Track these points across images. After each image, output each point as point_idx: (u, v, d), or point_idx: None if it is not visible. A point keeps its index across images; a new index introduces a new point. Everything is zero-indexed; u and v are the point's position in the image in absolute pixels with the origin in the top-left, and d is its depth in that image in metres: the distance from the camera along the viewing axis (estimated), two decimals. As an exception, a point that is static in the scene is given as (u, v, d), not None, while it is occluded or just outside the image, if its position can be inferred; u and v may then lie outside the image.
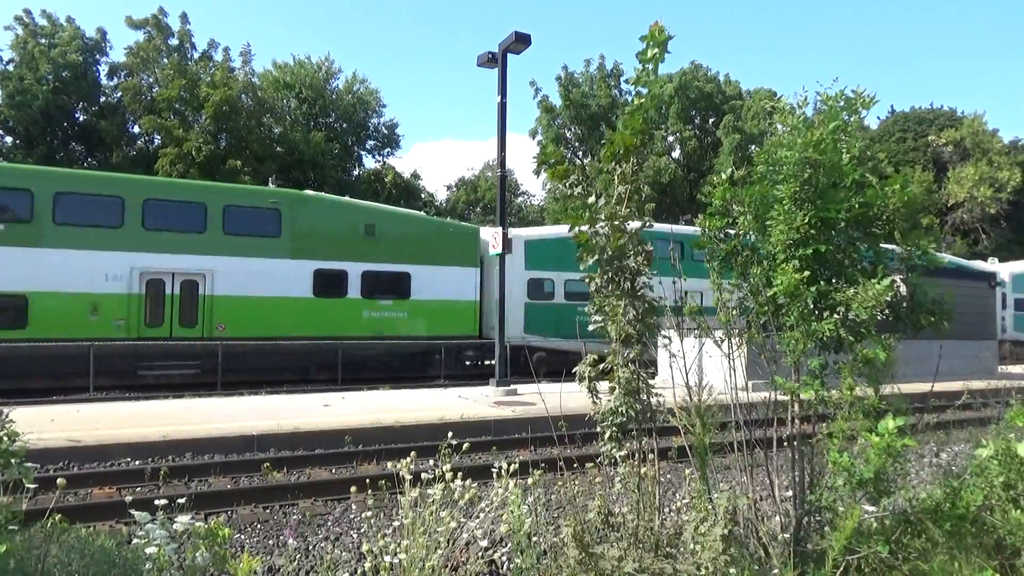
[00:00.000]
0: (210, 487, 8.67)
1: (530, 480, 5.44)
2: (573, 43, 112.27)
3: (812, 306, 4.20)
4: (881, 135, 58.13)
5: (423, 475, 4.79)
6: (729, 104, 50.90)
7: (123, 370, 18.70)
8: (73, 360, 17.77)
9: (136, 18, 43.76)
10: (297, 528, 6.92)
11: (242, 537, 6.82)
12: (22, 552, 3.43)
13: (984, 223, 53.35)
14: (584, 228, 4.36)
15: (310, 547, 6.47)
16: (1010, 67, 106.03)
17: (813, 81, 4.68)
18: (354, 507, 7.61)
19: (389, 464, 5.14)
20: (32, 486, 3.67)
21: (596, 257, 4.33)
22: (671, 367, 4.51)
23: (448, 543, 4.53)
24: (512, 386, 15.98)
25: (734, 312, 4.70)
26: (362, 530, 6.75)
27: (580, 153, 51.13)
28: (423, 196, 56.15)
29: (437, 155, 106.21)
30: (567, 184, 4.44)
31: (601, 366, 4.36)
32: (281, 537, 6.74)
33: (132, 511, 4.20)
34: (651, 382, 4.37)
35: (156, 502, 4.24)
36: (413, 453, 5.15)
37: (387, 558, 4.27)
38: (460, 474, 4.83)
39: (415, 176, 55.50)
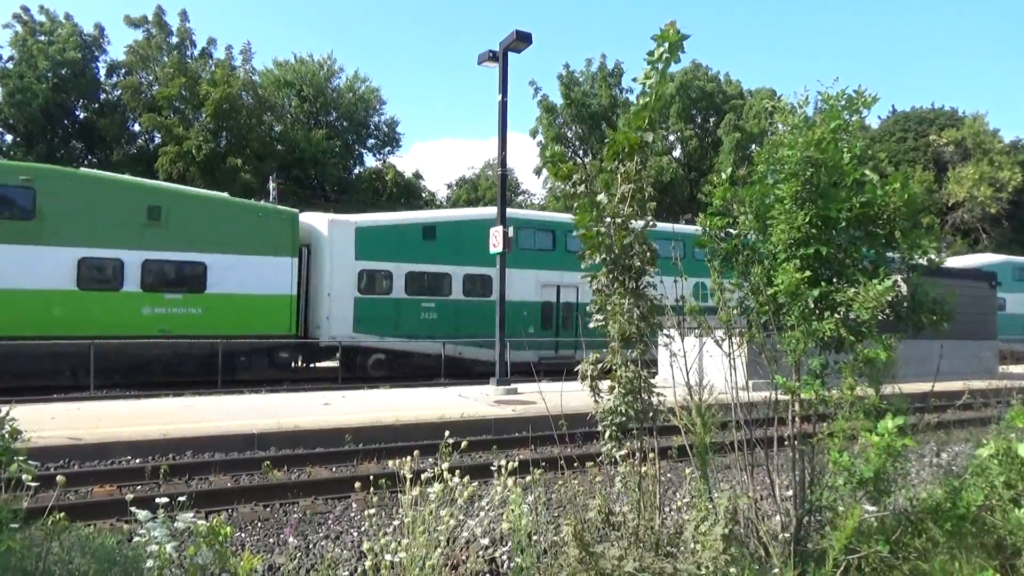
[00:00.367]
0: (211, 485, 8.68)
1: (529, 478, 5.45)
2: (574, 43, 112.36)
3: (813, 306, 4.20)
4: (882, 135, 58.12)
5: (423, 474, 4.79)
6: (730, 104, 50.91)
7: None
8: None
9: (135, 16, 43.79)
10: (298, 526, 6.93)
11: (243, 535, 6.82)
12: (23, 550, 3.44)
13: (985, 223, 53.35)
14: (590, 227, 4.33)
15: (310, 545, 6.48)
16: (1012, 67, 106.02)
17: (814, 81, 4.66)
18: (354, 506, 7.62)
19: (390, 463, 5.15)
20: (33, 484, 3.68)
21: (602, 256, 4.31)
22: (672, 366, 4.51)
23: (448, 542, 4.53)
24: (512, 385, 15.99)
25: (735, 311, 4.70)
26: (362, 528, 6.76)
27: (581, 152, 51.10)
28: (424, 195, 56.16)
29: (438, 154, 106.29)
30: (571, 183, 4.42)
31: (601, 365, 4.35)
32: (282, 535, 6.74)
33: (133, 509, 4.20)
34: (652, 381, 4.37)
35: (157, 500, 4.24)
36: (416, 452, 5.15)
37: (387, 556, 4.27)
38: (460, 473, 4.83)
39: (416, 175, 55.53)
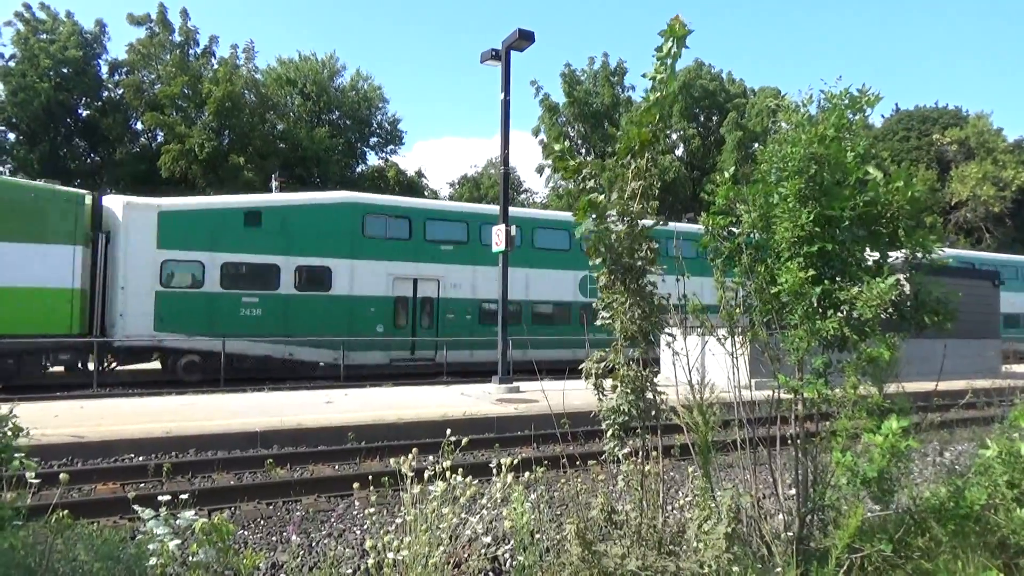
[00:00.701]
0: (213, 483, 8.69)
1: (529, 475, 5.44)
2: (576, 42, 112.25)
3: (816, 304, 4.20)
4: (885, 133, 58.04)
5: (425, 472, 4.79)
6: (733, 103, 50.86)
7: None
8: None
9: (138, 14, 43.84)
10: (300, 524, 6.93)
11: (246, 533, 6.83)
12: (26, 547, 3.44)
13: (988, 222, 53.27)
14: (591, 225, 4.31)
15: (313, 543, 6.48)
16: (1016, 66, 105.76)
17: (818, 79, 4.64)
18: (357, 503, 7.62)
19: (392, 461, 5.15)
20: (34, 481, 3.69)
21: (603, 255, 4.30)
22: (674, 365, 4.51)
23: (450, 540, 4.53)
24: (515, 383, 16.00)
25: (737, 310, 4.69)
26: (365, 526, 6.76)
27: (583, 151, 51.07)
28: (426, 193, 56.18)
29: (440, 152, 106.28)
30: (579, 179, 4.41)
31: (603, 364, 4.35)
32: (284, 533, 6.75)
33: (136, 507, 4.21)
34: (655, 380, 4.37)
35: (160, 498, 4.25)
36: (416, 450, 5.15)
37: (390, 554, 4.27)
38: (463, 471, 4.83)
39: (419, 174, 55.54)
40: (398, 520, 4.79)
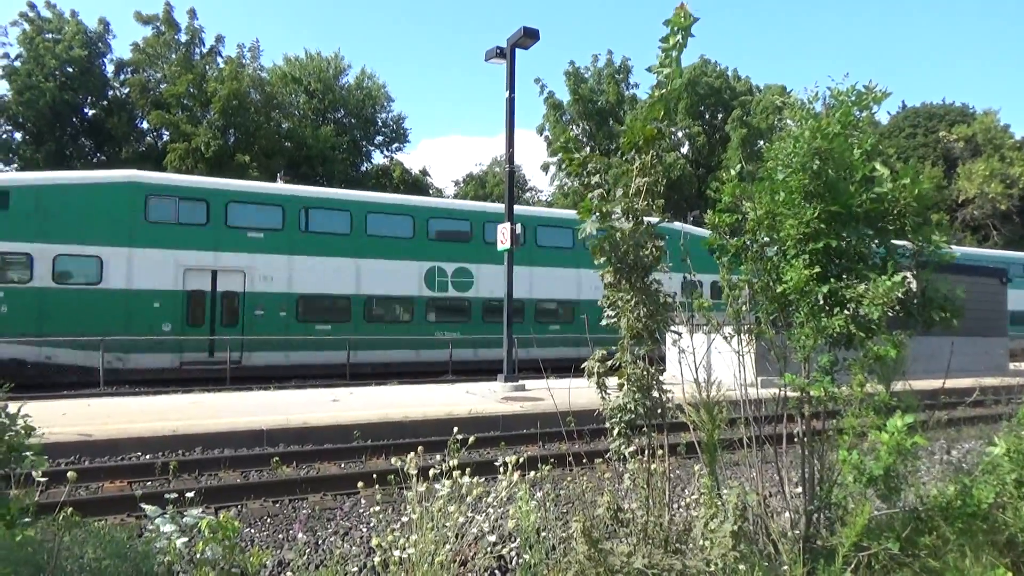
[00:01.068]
0: (220, 481, 8.71)
1: (535, 474, 5.44)
2: (581, 40, 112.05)
3: (822, 302, 4.19)
4: (891, 130, 57.84)
5: (431, 470, 4.79)
6: (739, 100, 50.74)
7: None
8: None
9: (145, 13, 43.93)
10: (307, 522, 6.94)
11: (252, 531, 6.85)
12: (35, 544, 3.46)
13: (995, 219, 53.03)
14: (596, 223, 4.29)
15: (319, 541, 6.50)
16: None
17: (825, 76, 4.63)
18: (363, 501, 7.63)
19: (395, 460, 5.16)
20: (42, 479, 3.70)
21: (608, 253, 4.28)
22: (680, 363, 4.50)
23: (456, 538, 4.54)
24: (520, 381, 16.00)
25: (743, 308, 4.68)
26: (371, 524, 6.77)
27: (588, 149, 51.03)
28: (431, 192, 56.20)
29: (445, 151, 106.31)
30: (585, 173, 4.39)
31: (610, 362, 4.34)
32: (291, 531, 6.77)
33: (143, 505, 4.23)
34: (660, 378, 4.36)
35: (167, 496, 4.27)
36: (420, 448, 5.16)
37: (396, 552, 4.28)
38: (468, 469, 4.84)
39: (423, 172, 55.58)
40: (404, 518, 4.80)
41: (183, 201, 21.01)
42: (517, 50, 16.46)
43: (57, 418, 10.97)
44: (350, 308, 23.08)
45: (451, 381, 19.60)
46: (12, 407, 3.39)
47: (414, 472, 4.61)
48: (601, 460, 7.22)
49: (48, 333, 18.68)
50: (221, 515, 4.04)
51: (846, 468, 3.83)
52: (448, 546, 4.36)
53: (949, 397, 8.58)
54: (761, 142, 43.31)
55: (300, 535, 6.28)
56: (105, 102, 44.26)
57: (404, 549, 4.29)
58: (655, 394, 4.26)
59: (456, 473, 4.65)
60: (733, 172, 4.76)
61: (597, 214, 4.26)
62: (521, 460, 5.11)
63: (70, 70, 41.46)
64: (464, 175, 69.18)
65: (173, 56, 43.88)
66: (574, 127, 50.89)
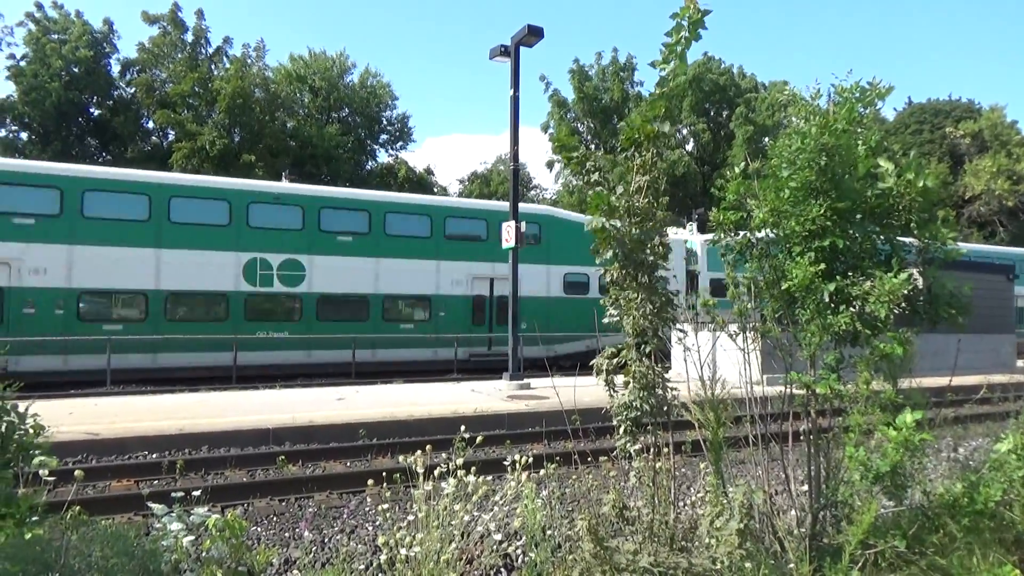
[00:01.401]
0: (226, 480, 8.74)
1: (543, 472, 5.45)
2: (585, 37, 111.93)
3: (828, 299, 4.18)
4: (897, 127, 57.62)
5: (437, 469, 4.80)
6: (744, 97, 50.63)
7: None
8: None
9: (152, 13, 44.08)
10: (313, 521, 6.96)
11: (258, 529, 6.87)
12: (43, 543, 3.48)
13: (1001, 215, 52.80)
14: (601, 220, 4.28)
15: (326, 539, 6.51)
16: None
17: (830, 73, 4.60)
18: (369, 500, 7.65)
19: (400, 458, 5.17)
20: (49, 479, 3.72)
21: (614, 251, 4.27)
22: (685, 361, 4.50)
23: (462, 536, 4.54)
24: (525, 380, 16.00)
25: (749, 306, 4.67)
26: (377, 523, 6.79)
27: (593, 147, 50.98)
28: (436, 190, 56.22)
29: (449, 149, 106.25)
30: (585, 170, 4.38)
31: (616, 360, 4.34)
32: (297, 529, 6.79)
33: (150, 503, 4.25)
34: (666, 376, 4.36)
35: (173, 495, 4.29)
36: (429, 447, 5.17)
37: (402, 551, 4.29)
38: (474, 467, 4.84)
39: (428, 171, 55.59)
40: (410, 517, 4.81)
41: None
42: (521, 48, 16.46)
43: (64, 417, 11.01)
44: (147, 305, 20.01)
45: (456, 380, 19.62)
46: (20, 406, 3.40)
47: (421, 470, 4.62)
48: (607, 458, 7.22)
49: None
50: (228, 513, 4.05)
51: (852, 466, 3.83)
52: (454, 544, 4.37)
53: (956, 394, 8.55)
54: (766, 139, 43.20)
55: (306, 533, 6.29)
56: (111, 102, 44.41)
57: (410, 547, 4.30)
58: (660, 392, 4.26)
59: (461, 472, 4.66)
60: (737, 170, 4.75)
61: (604, 208, 4.25)
62: (528, 461, 5.11)
63: (76, 70, 41.60)
64: (469, 174, 69.22)
65: (179, 56, 44.00)
66: (579, 125, 50.85)
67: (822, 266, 4.15)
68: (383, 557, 4.42)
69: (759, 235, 4.65)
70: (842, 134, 4.26)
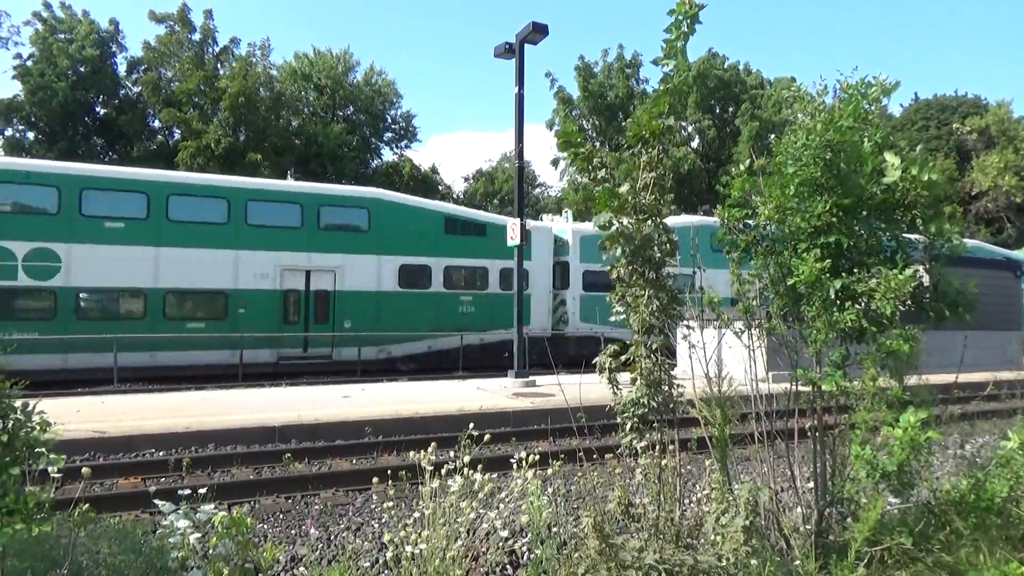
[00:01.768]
0: (233, 477, 8.77)
1: (549, 470, 5.45)
2: (591, 34, 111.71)
3: (834, 296, 4.17)
4: (904, 123, 57.37)
5: (443, 466, 4.81)
6: (750, 93, 50.49)
7: None
8: None
9: (159, 12, 44.19)
10: (319, 518, 6.98)
11: (265, 527, 6.89)
12: (51, 540, 3.50)
13: (1009, 212, 52.55)
14: (609, 217, 4.27)
15: (332, 537, 6.53)
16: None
17: (835, 70, 4.60)
18: (375, 497, 7.67)
19: (411, 454, 5.18)
20: (57, 476, 3.74)
21: (621, 247, 4.26)
22: (690, 358, 4.49)
23: (468, 533, 4.56)
24: (531, 377, 16.00)
25: (754, 303, 4.67)
26: (383, 520, 6.80)
27: (598, 144, 50.89)
28: (440, 188, 56.25)
29: (454, 147, 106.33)
30: (591, 167, 4.38)
31: (623, 357, 4.34)
32: (303, 527, 6.81)
33: (157, 501, 4.27)
34: (672, 373, 4.35)
35: (180, 492, 4.30)
36: (434, 444, 5.18)
37: (408, 548, 4.30)
38: (479, 464, 4.85)
39: (433, 169, 55.64)
40: (416, 514, 4.82)
41: None
42: (526, 45, 16.43)
43: (72, 415, 11.06)
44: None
45: (462, 377, 19.63)
46: (25, 404, 3.42)
47: (429, 468, 4.63)
48: (612, 456, 7.21)
49: None
50: (234, 511, 4.07)
51: (858, 463, 3.82)
52: (460, 541, 4.38)
53: (962, 391, 8.49)
54: (772, 136, 43.07)
55: (312, 531, 6.31)
56: (116, 101, 44.55)
57: (416, 544, 4.31)
58: (666, 389, 4.26)
59: (467, 470, 4.66)
60: (742, 167, 4.74)
61: (613, 204, 4.24)
62: (535, 458, 5.12)
63: (82, 70, 41.75)
64: (474, 171, 69.25)
65: (185, 54, 44.11)
66: (584, 122, 50.78)
67: (828, 263, 4.14)
68: (389, 554, 4.43)
69: (763, 230, 4.65)
70: (848, 131, 4.25)
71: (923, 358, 4.09)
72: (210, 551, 3.78)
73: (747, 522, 3.72)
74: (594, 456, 7.62)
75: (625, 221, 4.25)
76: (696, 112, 49.51)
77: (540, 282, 25.58)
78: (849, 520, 4.12)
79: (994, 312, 19.41)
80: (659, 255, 4.25)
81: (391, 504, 4.95)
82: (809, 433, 4.47)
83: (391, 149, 55.25)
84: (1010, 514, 4.11)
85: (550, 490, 6.09)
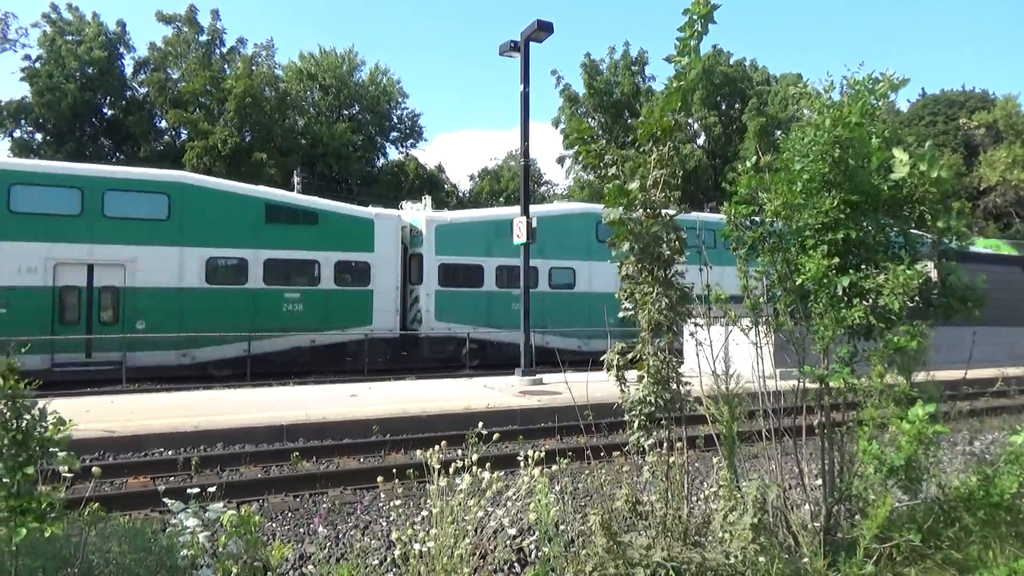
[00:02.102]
0: (241, 476, 8.80)
1: (556, 468, 5.46)
2: (596, 32, 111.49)
3: (841, 293, 4.16)
4: (911, 119, 57.11)
5: (452, 465, 4.82)
6: (756, 90, 50.33)
7: None
8: None
9: (167, 13, 44.39)
10: (327, 516, 7.01)
11: (273, 525, 6.92)
12: (61, 539, 3.52)
13: (1017, 207, 52.26)
14: (619, 213, 4.27)
15: (340, 535, 6.55)
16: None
17: (842, 65, 4.59)
18: (383, 496, 7.68)
19: (417, 453, 5.19)
20: (68, 475, 3.76)
21: (631, 244, 4.26)
22: (697, 355, 4.49)
23: (476, 531, 4.56)
24: (538, 375, 16.00)
25: (761, 300, 4.66)
26: (391, 518, 6.82)
27: (604, 141, 50.72)
28: (446, 187, 56.27)
29: (460, 145, 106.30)
30: (602, 164, 4.38)
31: (630, 355, 4.34)
32: (311, 525, 6.83)
33: (166, 500, 4.29)
34: (680, 370, 4.35)
35: (189, 491, 4.32)
36: (443, 442, 5.19)
37: (416, 546, 4.31)
38: (487, 462, 4.85)
39: (439, 169, 55.66)
40: (424, 512, 4.83)
41: None
42: (531, 43, 16.40)
43: (81, 415, 11.11)
44: None
45: (468, 375, 19.64)
46: (39, 403, 3.45)
47: (437, 466, 4.64)
48: (619, 453, 7.21)
49: None
50: (243, 509, 4.09)
51: (867, 459, 3.81)
52: (467, 539, 4.39)
53: (971, 387, 8.46)
54: (778, 132, 42.92)
55: (321, 529, 6.33)
56: (124, 102, 44.74)
57: (424, 542, 4.33)
58: (674, 386, 4.26)
59: (476, 469, 4.67)
60: (749, 163, 4.73)
61: (623, 202, 4.23)
62: (541, 456, 5.12)
63: (90, 71, 41.95)
64: (479, 170, 69.24)
65: (192, 55, 44.27)
66: (590, 120, 50.70)
67: (836, 259, 4.13)
68: (397, 552, 4.44)
69: (770, 227, 4.64)
70: (855, 127, 4.23)
71: (931, 354, 4.07)
72: (219, 549, 3.79)
73: (755, 519, 3.72)
74: (601, 454, 7.62)
75: (634, 217, 4.25)
76: (702, 109, 49.35)
77: (385, 277, 22.54)
78: (858, 517, 4.11)
79: (1003, 308, 19.30)
80: (668, 252, 4.24)
81: (399, 502, 4.96)
82: (817, 430, 4.46)
83: (397, 148, 55.34)
84: (1019, 510, 4.10)
85: (557, 488, 6.09)
